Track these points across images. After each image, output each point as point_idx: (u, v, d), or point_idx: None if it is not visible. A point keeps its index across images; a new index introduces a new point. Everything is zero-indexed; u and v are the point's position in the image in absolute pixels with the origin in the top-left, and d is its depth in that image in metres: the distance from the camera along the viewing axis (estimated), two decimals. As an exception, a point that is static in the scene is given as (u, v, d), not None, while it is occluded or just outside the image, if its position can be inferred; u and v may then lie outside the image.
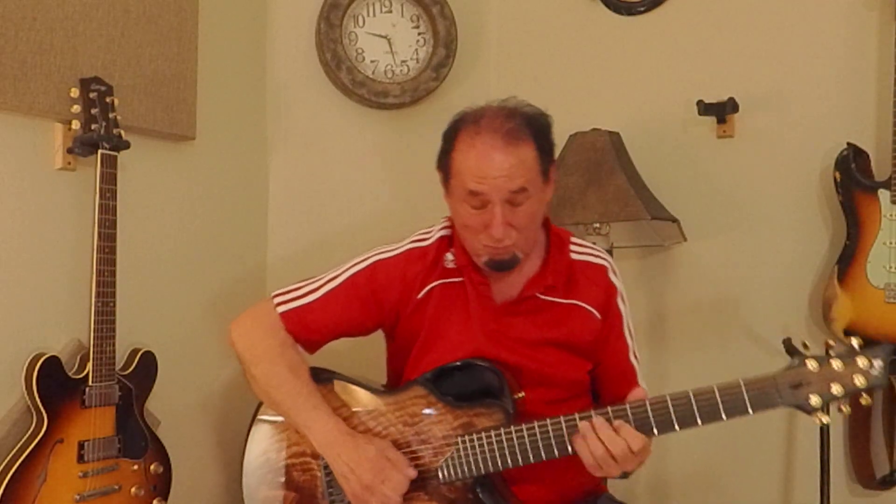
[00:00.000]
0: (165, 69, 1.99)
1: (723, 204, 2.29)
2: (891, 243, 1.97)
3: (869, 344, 1.86)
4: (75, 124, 1.77)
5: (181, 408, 2.07)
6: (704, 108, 2.22)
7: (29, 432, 1.70)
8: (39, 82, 1.75)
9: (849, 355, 1.33)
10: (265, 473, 1.67)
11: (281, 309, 1.67)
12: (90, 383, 1.73)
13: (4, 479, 1.64)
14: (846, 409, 1.35)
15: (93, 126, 1.77)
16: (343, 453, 1.54)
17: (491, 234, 1.52)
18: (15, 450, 1.68)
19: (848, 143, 2.04)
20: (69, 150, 1.80)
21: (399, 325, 1.69)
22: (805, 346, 1.41)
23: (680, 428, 1.41)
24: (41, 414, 1.68)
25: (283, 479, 1.65)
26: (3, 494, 1.62)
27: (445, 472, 1.54)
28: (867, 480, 2.08)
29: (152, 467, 1.85)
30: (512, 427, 1.51)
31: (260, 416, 1.72)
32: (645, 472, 2.38)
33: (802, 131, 2.18)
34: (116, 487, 1.78)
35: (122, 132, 1.81)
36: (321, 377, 1.67)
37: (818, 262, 2.15)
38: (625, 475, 1.55)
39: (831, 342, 1.39)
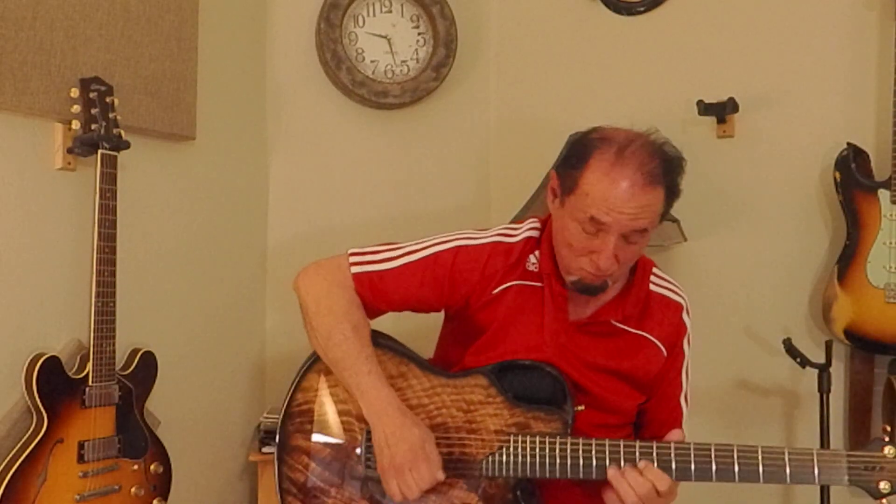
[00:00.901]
0: (165, 69, 1.99)
1: (723, 204, 2.29)
2: (891, 243, 1.97)
3: (869, 345, 1.86)
4: (75, 124, 1.77)
5: (181, 408, 2.07)
6: (704, 108, 2.22)
7: (29, 432, 1.70)
8: (39, 82, 1.75)
9: None
10: (303, 423, 1.62)
11: (355, 269, 1.63)
12: (90, 383, 1.73)
13: (4, 479, 1.64)
14: None
15: (93, 126, 1.77)
16: (388, 425, 1.50)
17: (597, 262, 1.49)
18: (15, 450, 1.68)
19: (848, 143, 2.04)
20: (69, 150, 1.80)
21: (466, 313, 1.65)
22: (886, 430, 1.41)
23: (739, 480, 1.42)
24: (41, 414, 1.68)
25: (321, 434, 1.60)
26: (3, 494, 1.63)
27: (489, 467, 1.52)
28: (867, 480, 2.08)
29: (152, 467, 1.85)
30: (569, 439, 1.48)
31: (311, 367, 1.65)
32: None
33: (802, 131, 2.18)
34: (116, 487, 1.78)
35: (122, 132, 1.81)
36: (381, 342, 1.63)
37: (818, 262, 2.15)
38: None
39: (889, 427, 1.40)
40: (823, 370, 1.97)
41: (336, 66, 2.37)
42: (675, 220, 2.22)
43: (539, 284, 1.61)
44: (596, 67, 2.49)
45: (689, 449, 1.43)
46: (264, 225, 2.38)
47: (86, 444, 1.73)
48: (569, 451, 1.47)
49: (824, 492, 1.97)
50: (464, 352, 1.65)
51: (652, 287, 1.65)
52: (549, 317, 1.60)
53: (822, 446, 1.97)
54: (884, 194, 1.98)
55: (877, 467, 1.35)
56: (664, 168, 1.48)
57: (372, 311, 1.65)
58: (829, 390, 1.97)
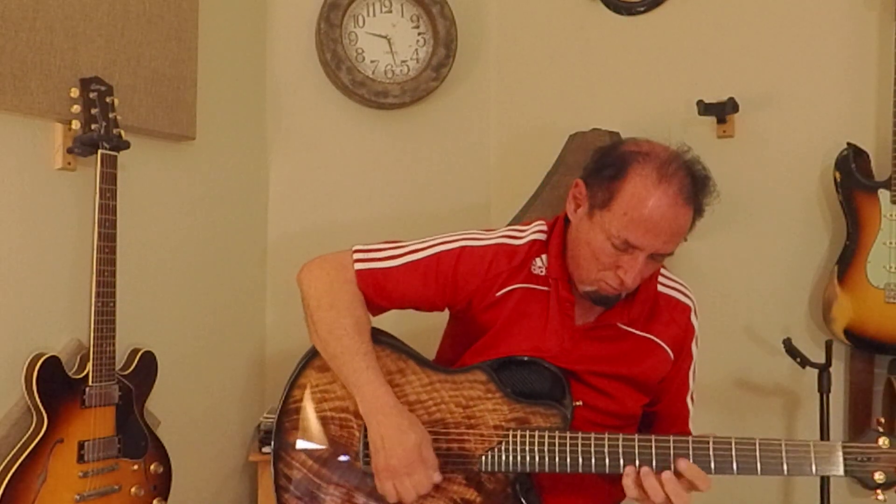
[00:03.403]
0: (165, 69, 1.99)
1: (723, 204, 2.28)
2: (891, 243, 1.97)
3: (869, 345, 1.86)
4: (75, 124, 1.77)
5: (181, 408, 2.07)
6: (704, 108, 2.22)
7: (29, 432, 1.70)
8: (39, 82, 1.75)
9: None
10: (300, 420, 1.61)
11: (359, 266, 1.63)
12: (90, 383, 1.74)
13: (4, 479, 1.64)
14: None
15: (93, 126, 1.77)
16: (384, 425, 1.49)
17: (622, 278, 1.48)
18: (15, 450, 1.68)
19: (848, 143, 2.04)
20: (69, 150, 1.80)
21: (468, 314, 1.64)
22: (879, 422, 1.43)
23: (738, 472, 1.41)
24: (41, 414, 1.68)
25: (317, 430, 1.60)
26: (3, 494, 1.63)
27: (488, 462, 1.51)
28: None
29: (152, 467, 1.85)
30: (568, 433, 1.48)
31: (308, 361, 1.65)
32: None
33: (802, 131, 2.18)
34: (116, 487, 1.78)
35: (122, 132, 1.81)
36: (380, 339, 1.63)
37: (818, 262, 2.15)
38: None
39: (882, 420, 1.43)
40: (823, 370, 1.97)
41: (336, 66, 2.37)
42: (675, 220, 2.21)
43: (545, 288, 1.60)
44: (596, 67, 2.49)
45: (687, 443, 1.43)
46: (264, 225, 2.38)
47: (86, 444, 1.73)
48: (568, 445, 1.47)
49: (824, 492, 1.97)
50: (464, 351, 1.65)
51: (660, 288, 1.64)
52: (553, 321, 1.58)
53: (822, 446, 1.97)
54: (884, 194, 1.98)
55: (871, 458, 1.37)
56: (697, 186, 1.49)
57: (374, 308, 1.65)
58: (829, 390, 1.97)
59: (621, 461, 1.44)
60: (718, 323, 2.27)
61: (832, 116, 2.14)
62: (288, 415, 1.62)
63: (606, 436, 1.46)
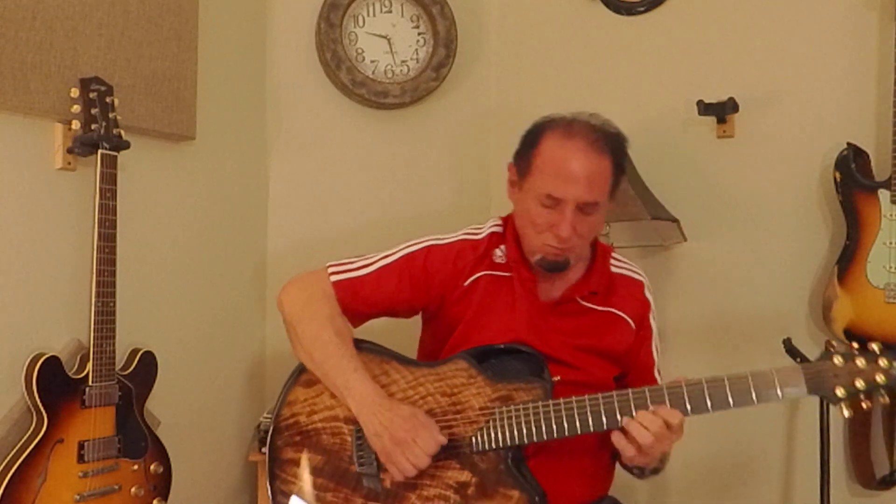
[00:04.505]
0: (165, 69, 1.99)
1: (723, 204, 2.29)
2: (891, 243, 1.97)
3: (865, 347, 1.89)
4: (75, 124, 1.77)
5: (181, 408, 2.07)
6: (704, 108, 2.22)
7: (29, 432, 1.70)
8: (39, 82, 1.75)
9: (872, 355, 1.46)
10: (292, 435, 1.67)
11: (335, 278, 1.73)
12: (90, 383, 1.74)
13: (4, 479, 1.64)
14: (867, 404, 1.46)
15: (93, 126, 1.77)
16: (378, 412, 1.57)
17: (558, 233, 1.61)
18: (15, 450, 1.68)
19: (848, 143, 2.04)
20: (69, 150, 1.80)
21: (442, 310, 1.75)
22: (829, 344, 1.51)
23: (713, 409, 1.49)
24: (41, 414, 1.69)
25: (310, 443, 1.65)
26: (3, 494, 1.63)
27: (478, 441, 1.57)
28: (867, 480, 2.08)
29: (152, 467, 1.85)
30: (550, 401, 1.55)
31: (295, 381, 1.72)
32: (645, 472, 2.38)
33: (802, 131, 2.18)
34: (116, 487, 1.78)
35: (122, 132, 1.81)
36: (362, 347, 1.70)
37: (818, 263, 2.15)
38: (655, 471, 1.68)
39: (834, 343, 1.51)
40: (823, 370, 1.97)
41: (336, 66, 2.37)
42: (675, 220, 2.22)
43: (507, 274, 1.72)
44: (596, 67, 2.49)
45: (661, 389, 1.52)
46: (264, 224, 2.38)
47: (86, 444, 1.73)
48: (552, 412, 1.54)
49: (824, 492, 1.97)
50: (442, 346, 1.73)
51: (614, 269, 1.78)
52: (520, 300, 1.70)
53: (822, 446, 1.97)
54: (884, 194, 1.98)
55: (830, 375, 1.47)
56: (608, 140, 1.65)
57: (353, 317, 1.74)
58: (829, 390, 1.97)
59: (604, 418, 1.51)
60: (718, 323, 2.27)
61: (832, 116, 2.14)
62: (279, 433, 1.68)
63: (587, 397, 1.54)
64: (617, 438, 1.51)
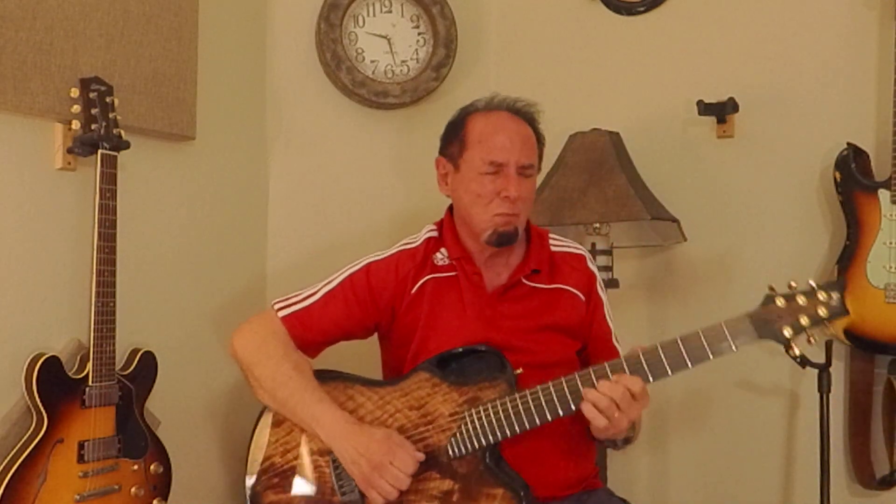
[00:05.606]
0: (165, 69, 1.99)
1: (723, 204, 2.29)
2: (891, 243, 1.97)
3: (869, 345, 1.89)
4: (75, 124, 1.77)
5: (181, 408, 2.07)
6: (704, 108, 2.22)
7: (29, 432, 1.70)
8: (39, 82, 1.75)
9: (811, 292, 1.50)
10: (270, 478, 1.68)
11: (282, 313, 1.75)
12: (90, 383, 1.74)
13: (4, 479, 1.64)
14: (815, 339, 1.50)
15: (93, 126, 1.77)
16: (351, 439, 1.58)
17: (507, 194, 1.66)
18: (15, 450, 1.68)
19: (848, 143, 2.04)
20: (69, 150, 1.80)
21: (395, 323, 1.76)
22: (771, 288, 1.54)
23: (672, 372, 1.52)
24: (41, 414, 1.68)
25: (290, 482, 1.66)
26: (3, 494, 1.63)
27: (455, 447, 1.58)
28: (867, 480, 2.08)
29: (152, 467, 1.85)
30: (516, 394, 1.57)
31: (261, 424, 1.73)
32: (645, 472, 2.38)
33: (802, 131, 2.18)
34: (116, 487, 1.78)
35: (122, 132, 1.81)
36: (324, 376, 1.71)
37: (818, 263, 2.15)
38: (627, 441, 1.68)
39: (773, 286, 1.54)
40: (823, 370, 1.97)
41: (336, 66, 2.37)
42: (675, 220, 2.22)
43: (451, 274, 1.75)
44: (596, 67, 2.49)
45: (621, 362, 1.54)
46: (264, 224, 2.38)
47: (86, 444, 1.73)
48: (520, 403, 1.56)
49: (824, 492, 1.97)
50: (404, 358, 1.74)
51: (553, 248, 1.82)
52: (468, 296, 1.73)
53: (822, 446, 1.97)
54: (884, 194, 1.98)
55: (775, 317, 1.50)
56: (525, 112, 1.75)
57: (309, 347, 1.75)
58: (829, 390, 1.97)
59: (569, 397, 1.54)
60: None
61: (832, 116, 2.14)
62: (257, 479, 1.70)
63: (551, 382, 1.56)
64: (587, 408, 1.51)
